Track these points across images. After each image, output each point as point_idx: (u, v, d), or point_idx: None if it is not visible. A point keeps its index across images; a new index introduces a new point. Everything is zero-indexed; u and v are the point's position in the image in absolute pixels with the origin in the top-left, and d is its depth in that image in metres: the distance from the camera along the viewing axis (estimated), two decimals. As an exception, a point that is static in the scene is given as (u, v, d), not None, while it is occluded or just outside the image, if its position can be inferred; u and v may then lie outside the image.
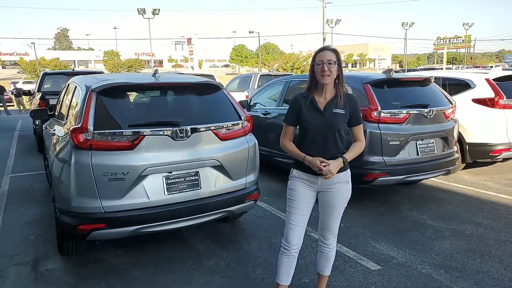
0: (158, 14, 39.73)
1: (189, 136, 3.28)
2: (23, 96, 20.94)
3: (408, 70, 31.67)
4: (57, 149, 3.54)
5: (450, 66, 51.15)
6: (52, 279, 3.32)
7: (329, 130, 2.49)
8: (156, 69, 3.72)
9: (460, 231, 4.21)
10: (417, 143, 4.84)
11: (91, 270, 3.44)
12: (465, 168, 6.68)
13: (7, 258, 3.68)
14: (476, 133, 6.22)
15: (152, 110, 3.59)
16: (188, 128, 3.26)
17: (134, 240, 3.89)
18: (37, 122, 7.58)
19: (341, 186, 2.59)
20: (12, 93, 23.81)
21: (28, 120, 12.12)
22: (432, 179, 6.12)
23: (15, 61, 71.52)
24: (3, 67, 74.37)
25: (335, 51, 2.49)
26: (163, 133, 3.21)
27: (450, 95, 6.59)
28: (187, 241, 4.01)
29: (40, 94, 8.50)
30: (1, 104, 21.48)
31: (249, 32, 52.08)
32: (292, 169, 2.67)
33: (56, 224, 3.62)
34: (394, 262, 3.53)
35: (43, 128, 5.16)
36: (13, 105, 25.11)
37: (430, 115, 4.89)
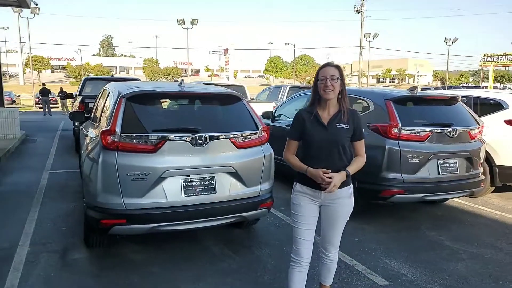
0: (196, 24, 40.74)
1: (207, 143, 3.48)
2: (67, 99, 22.25)
3: (449, 88, 30.90)
4: (89, 149, 3.84)
5: (497, 84, 49.07)
6: (77, 267, 3.60)
7: (333, 145, 2.52)
8: (182, 80, 3.97)
9: (478, 254, 4.14)
10: (439, 162, 4.80)
11: (112, 263, 3.69)
12: (494, 191, 6.51)
13: (40, 246, 4.03)
14: (507, 155, 6.07)
15: (175, 117, 3.84)
16: (207, 135, 3.47)
17: (153, 238, 4.14)
18: (76, 124, 8.07)
19: (344, 201, 2.62)
20: (58, 96, 25.31)
21: (70, 121, 12.84)
22: (457, 200, 6.04)
23: (63, 65, 75.36)
24: (52, 71, 78.49)
25: (338, 67, 2.54)
26: (184, 139, 3.43)
27: (481, 115, 6.49)
28: (203, 243, 4.20)
29: (81, 97, 9.08)
30: (47, 105, 22.79)
31: (285, 44, 52.41)
32: (295, 183, 2.69)
33: (84, 217, 3.91)
34: (403, 279, 3.55)
35: (80, 129, 5.54)
36: (58, 107, 26.55)
37: (453, 135, 4.86)
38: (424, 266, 3.83)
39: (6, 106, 13.92)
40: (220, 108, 3.95)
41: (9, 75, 65.69)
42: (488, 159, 6.20)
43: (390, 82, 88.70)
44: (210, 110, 3.93)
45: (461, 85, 56.46)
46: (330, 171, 2.47)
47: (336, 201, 2.59)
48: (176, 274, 3.51)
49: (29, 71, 58.26)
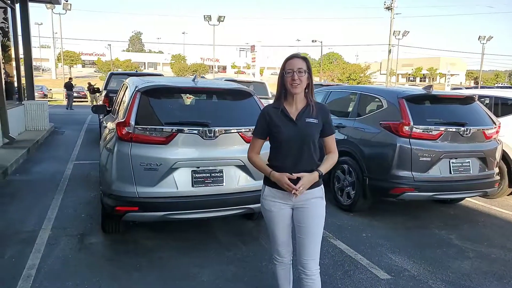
0: (223, 21, 40.91)
1: (217, 136, 3.63)
2: (96, 93, 22.89)
3: (482, 87, 30.13)
4: (106, 140, 4.07)
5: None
6: (93, 251, 3.84)
7: (304, 140, 2.36)
8: (195, 75, 4.13)
9: (486, 253, 4.15)
10: (451, 161, 4.79)
11: (125, 248, 3.91)
12: (513, 193, 6.42)
13: (61, 230, 4.30)
14: (527, 157, 5.97)
15: (186, 110, 4.01)
16: (216, 129, 3.62)
17: (165, 226, 4.35)
18: (101, 117, 8.40)
19: (316, 202, 2.44)
20: (88, 90, 26.08)
21: (97, 115, 13.31)
22: (473, 201, 6.00)
23: (93, 60, 77.41)
24: (83, 66, 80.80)
25: (305, 59, 2.36)
26: (194, 132, 3.59)
27: (502, 116, 6.41)
28: (213, 233, 4.37)
29: (105, 92, 9.42)
30: (70, 99, 23.29)
31: (312, 41, 52.09)
32: (263, 186, 2.53)
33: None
34: (406, 274, 3.61)
35: (102, 122, 5.82)
36: (87, 101, 27.41)
37: (466, 134, 4.84)
38: (429, 262, 3.87)
39: (38, 99, 14.55)
40: (231, 103, 4.08)
41: (42, 70, 68.10)
42: (507, 160, 6.11)
43: (420, 81, 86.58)
44: (221, 105, 4.08)
45: (495, 85, 54.69)
46: (295, 177, 2.30)
47: (308, 202, 2.42)
48: (183, 260, 3.69)
49: (61, 66, 60.17)
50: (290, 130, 2.36)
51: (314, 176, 2.36)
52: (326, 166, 2.43)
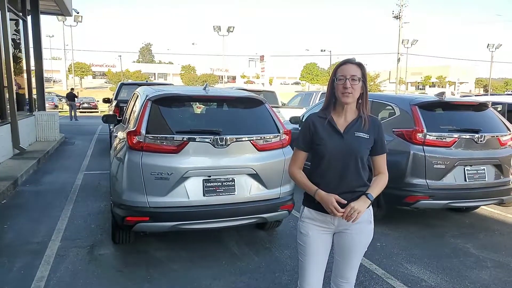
0: (232, 31, 41.33)
1: (229, 144, 3.59)
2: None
3: (491, 95, 29.95)
4: (117, 149, 4.05)
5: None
6: (103, 262, 3.79)
7: (351, 157, 2.08)
8: (207, 83, 4.11)
9: (504, 263, 4.03)
10: (466, 168, 4.70)
11: (136, 259, 3.86)
12: (530, 201, 6.25)
13: (70, 241, 4.26)
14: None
15: (198, 119, 3.99)
16: (228, 137, 3.58)
17: (176, 237, 4.29)
18: (111, 127, 8.42)
19: (362, 227, 2.16)
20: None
21: (107, 125, 13.38)
22: (488, 209, 5.87)
23: (104, 72, 78.26)
24: (94, 77, 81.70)
25: (360, 65, 2.08)
26: (206, 140, 3.56)
27: (516, 122, 6.28)
28: (225, 243, 4.30)
29: (116, 102, 9.48)
30: (73, 110, 23.15)
31: (321, 50, 52.33)
32: (302, 207, 2.25)
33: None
34: (423, 285, 3.51)
35: (112, 131, 5.82)
36: (97, 112, 27.59)
37: (481, 141, 4.74)
38: (446, 272, 3.76)
39: (48, 110, 14.70)
40: (242, 111, 4.05)
41: (53, 81, 69.01)
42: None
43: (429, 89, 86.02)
44: (232, 113, 4.05)
45: (505, 92, 54.30)
46: (345, 201, 2.03)
47: (353, 227, 2.14)
48: (196, 272, 3.62)
49: (72, 77, 60.99)
50: (335, 144, 2.09)
51: (367, 202, 2.07)
52: (377, 189, 2.12)
